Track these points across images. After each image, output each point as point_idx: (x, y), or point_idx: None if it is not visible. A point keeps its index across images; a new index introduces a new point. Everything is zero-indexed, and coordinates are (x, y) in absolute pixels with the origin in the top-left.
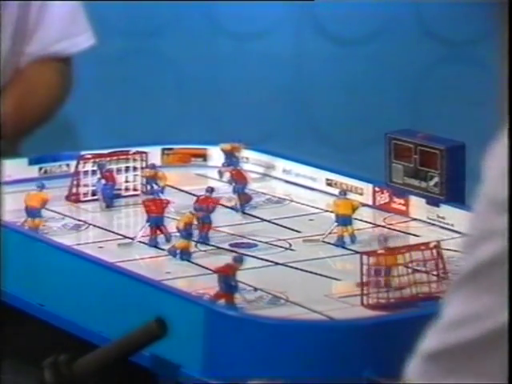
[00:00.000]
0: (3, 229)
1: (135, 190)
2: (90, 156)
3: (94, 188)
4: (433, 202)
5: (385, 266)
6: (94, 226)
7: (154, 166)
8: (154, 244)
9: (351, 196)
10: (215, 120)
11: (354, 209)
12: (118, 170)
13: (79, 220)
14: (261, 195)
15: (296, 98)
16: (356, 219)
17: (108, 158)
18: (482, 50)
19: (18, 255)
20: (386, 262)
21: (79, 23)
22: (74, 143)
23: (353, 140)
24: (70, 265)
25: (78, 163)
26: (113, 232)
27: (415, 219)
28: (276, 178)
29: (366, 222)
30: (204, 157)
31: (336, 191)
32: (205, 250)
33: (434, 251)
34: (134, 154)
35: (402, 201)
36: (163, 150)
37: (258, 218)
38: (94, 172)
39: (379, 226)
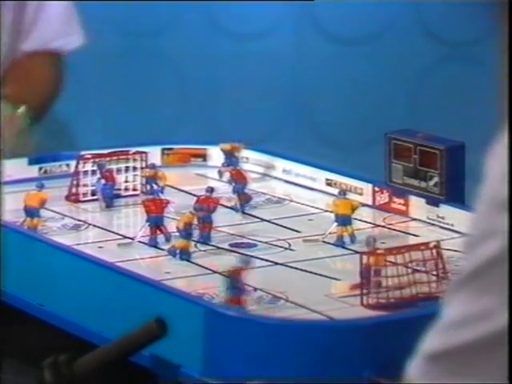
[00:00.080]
0: (3, 229)
1: (135, 189)
2: (89, 156)
3: (93, 188)
4: (432, 201)
5: (374, 265)
6: (94, 225)
7: (153, 166)
8: (153, 244)
9: (351, 196)
10: (215, 120)
11: (354, 209)
12: (118, 170)
13: (79, 220)
14: (260, 195)
15: (296, 98)
16: (356, 219)
17: (108, 158)
18: (482, 50)
19: (18, 255)
20: (375, 263)
21: (72, 23)
22: (74, 143)
23: (353, 140)
24: (70, 265)
25: (77, 163)
26: (113, 232)
27: (415, 219)
28: (276, 177)
29: (365, 222)
30: (204, 157)
31: (336, 191)
32: (204, 250)
33: (434, 251)
34: (134, 153)
35: (401, 201)
36: (163, 149)
37: (257, 217)
38: (93, 172)
39: (379, 225)
